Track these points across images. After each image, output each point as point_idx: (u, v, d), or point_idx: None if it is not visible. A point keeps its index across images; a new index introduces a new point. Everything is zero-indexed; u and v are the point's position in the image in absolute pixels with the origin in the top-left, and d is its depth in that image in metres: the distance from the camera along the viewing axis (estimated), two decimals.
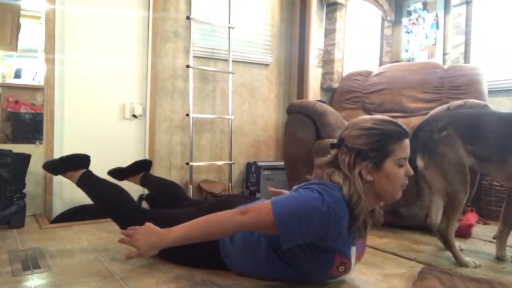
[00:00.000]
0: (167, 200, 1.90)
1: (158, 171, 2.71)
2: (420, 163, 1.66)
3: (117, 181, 2.01)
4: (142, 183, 2.11)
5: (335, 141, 1.28)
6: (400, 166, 1.22)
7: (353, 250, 1.25)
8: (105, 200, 1.70)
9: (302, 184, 1.25)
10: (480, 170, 1.75)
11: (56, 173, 1.90)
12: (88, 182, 1.79)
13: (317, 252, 1.20)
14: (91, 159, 1.91)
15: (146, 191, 2.25)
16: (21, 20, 3.07)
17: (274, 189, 1.60)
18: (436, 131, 1.68)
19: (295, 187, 1.26)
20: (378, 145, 1.20)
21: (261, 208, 1.14)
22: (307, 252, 1.21)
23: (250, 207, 1.16)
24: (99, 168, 1.91)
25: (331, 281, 1.34)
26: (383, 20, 3.53)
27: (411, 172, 1.25)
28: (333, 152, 1.28)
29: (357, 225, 1.18)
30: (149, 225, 1.22)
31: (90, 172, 1.83)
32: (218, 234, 1.20)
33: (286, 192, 1.60)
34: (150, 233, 1.20)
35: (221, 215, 1.17)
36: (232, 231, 1.22)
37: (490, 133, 1.63)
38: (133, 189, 2.21)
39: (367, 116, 1.29)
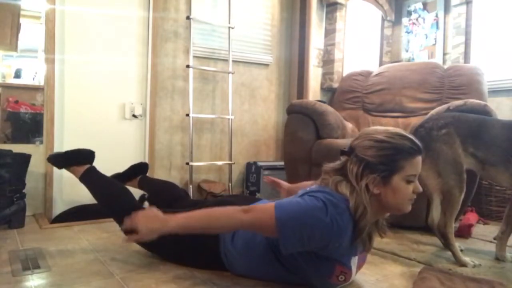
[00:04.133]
0: (165, 201, 1.89)
1: (158, 171, 2.71)
2: None
3: None
4: (140, 186, 2.11)
5: (346, 148, 1.25)
6: (409, 182, 1.19)
7: (355, 260, 1.25)
8: (107, 197, 1.70)
9: (307, 190, 1.23)
10: (483, 174, 1.75)
11: (60, 167, 1.90)
12: (92, 178, 1.79)
13: (317, 260, 1.19)
14: None
15: None
16: (21, 20, 3.06)
17: (271, 178, 1.59)
18: (435, 128, 1.69)
19: (300, 192, 1.25)
20: (388, 159, 1.17)
21: (264, 210, 1.13)
22: (307, 259, 1.20)
23: (253, 206, 1.16)
24: (99, 168, 1.91)
25: None
26: (383, 20, 3.53)
27: (420, 189, 1.22)
28: (342, 159, 1.25)
29: (362, 237, 1.17)
30: (152, 209, 1.24)
31: (94, 168, 1.83)
32: (217, 228, 1.21)
33: (283, 182, 1.60)
34: (152, 217, 1.21)
35: (223, 210, 1.18)
36: (232, 227, 1.22)
37: (495, 138, 1.63)
38: (136, 191, 2.21)
39: (381, 128, 1.26)
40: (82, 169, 1.80)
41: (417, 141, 1.21)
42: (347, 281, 1.26)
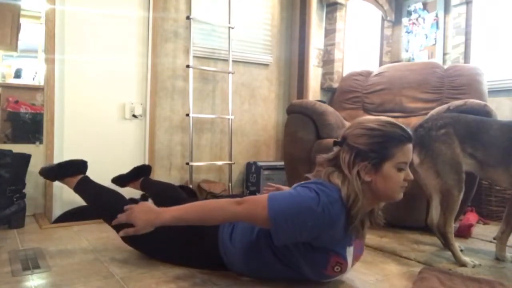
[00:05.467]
0: (167, 203, 1.90)
1: (158, 171, 2.71)
2: (416, 159, 1.67)
3: (119, 188, 2.03)
4: (142, 188, 2.13)
5: (339, 138, 1.28)
6: (400, 169, 1.21)
7: (350, 250, 1.25)
8: (103, 206, 1.70)
9: (302, 182, 1.25)
10: (482, 175, 1.75)
11: (53, 179, 1.91)
12: (85, 187, 1.79)
13: (313, 252, 1.21)
14: (91, 159, 1.92)
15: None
16: (21, 20, 3.07)
17: (273, 185, 1.60)
18: (435, 128, 1.69)
19: (294, 185, 1.26)
20: (378, 146, 1.19)
21: (257, 201, 1.16)
22: (302, 252, 1.22)
23: (247, 198, 1.18)
24: (99, 168, 1.92)
25: (329, 281, 1.34)
26: (383, 20, 3.53)
27: (411, 176, 1.24)
28: (335, 149, 1.27)
29: (354, 225, 1.18)
30: (145, 203, 1.29)
31: (87, 178, 1.83)
32: (211, 220, 1.23)
33: (285, 187, 1.61)
34: (147, 210, 1.24)
35: (217, 202, 1.21)
36: (226, 219, 1.24)
37: (493, 138, 1.63)
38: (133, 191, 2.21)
39: (372, 117, 1.29)
40: (76, 179, 1.81)
41: (407, 129, 1.23)
42: (343, 272, 1.26)
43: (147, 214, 1.23)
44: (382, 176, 1.20)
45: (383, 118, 1.27)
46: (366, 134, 1.21)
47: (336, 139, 1.28)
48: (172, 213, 1.22)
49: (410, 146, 1.23)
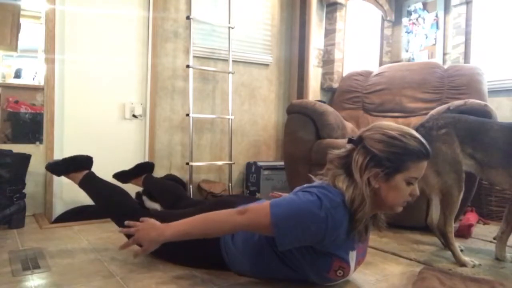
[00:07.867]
0: (168, 201, 1.91)
1: (158, 171, 2.71)
2: None
3: (120, 183, 2.04)
4: (145, 185, 2.13)
5: (354, 136, 1.24)
6: (409, 183, 1.19)
7: (353, 254, 1.24)
8: (107, 201, 1.71)
9: (304, 185, 1.24)
10: (482, 176, 1.75)
11: (59, 174, 1.91)
12: (91, 183, 1.80)
13: (315, 255, 1.20)
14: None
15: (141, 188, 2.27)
16: (21, 20, 3.06)
17: (277, 193, 1.60)
18: (435, 128, 1.70)
19: (296, 188, 1.25)
20: (395, 157, 1.16)
21: (259, 209, 1.14)
22: (305, 255, 1.21)
23: (249, 207, 1.17)
24: (99, 168, 1.91)
25: (333, 284, 1.33)
26: (383, 20, 3.53)
27: (417, 193, 1.22)
28: (348, 146, 1.24)
29: (358, 229, 1.17)
30: (148, 221, 1.28)
31: (92, 173, 1.84)
32: (215, 232, 1.22)
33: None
34: (150, 229, 1.24)
35: (219, 214, 1.19)
36: (230, 230, 1.23)
37: (494, 140, 1.63)
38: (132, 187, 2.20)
39: (394, 124, 1.23)
40: (81, 175, 1.82)
41: (427, 145, 1.20)
42: (346, 276, 1.26)
43: (150, 233, 1.23)
44: (390, 186, 1.18)
45: (406, 128, 1.22)
46: (385, 141, 1.17)
47: (351, 137, 1.24)
48: (174, 230, 1.21)
49: (426, 163, 1.20)
